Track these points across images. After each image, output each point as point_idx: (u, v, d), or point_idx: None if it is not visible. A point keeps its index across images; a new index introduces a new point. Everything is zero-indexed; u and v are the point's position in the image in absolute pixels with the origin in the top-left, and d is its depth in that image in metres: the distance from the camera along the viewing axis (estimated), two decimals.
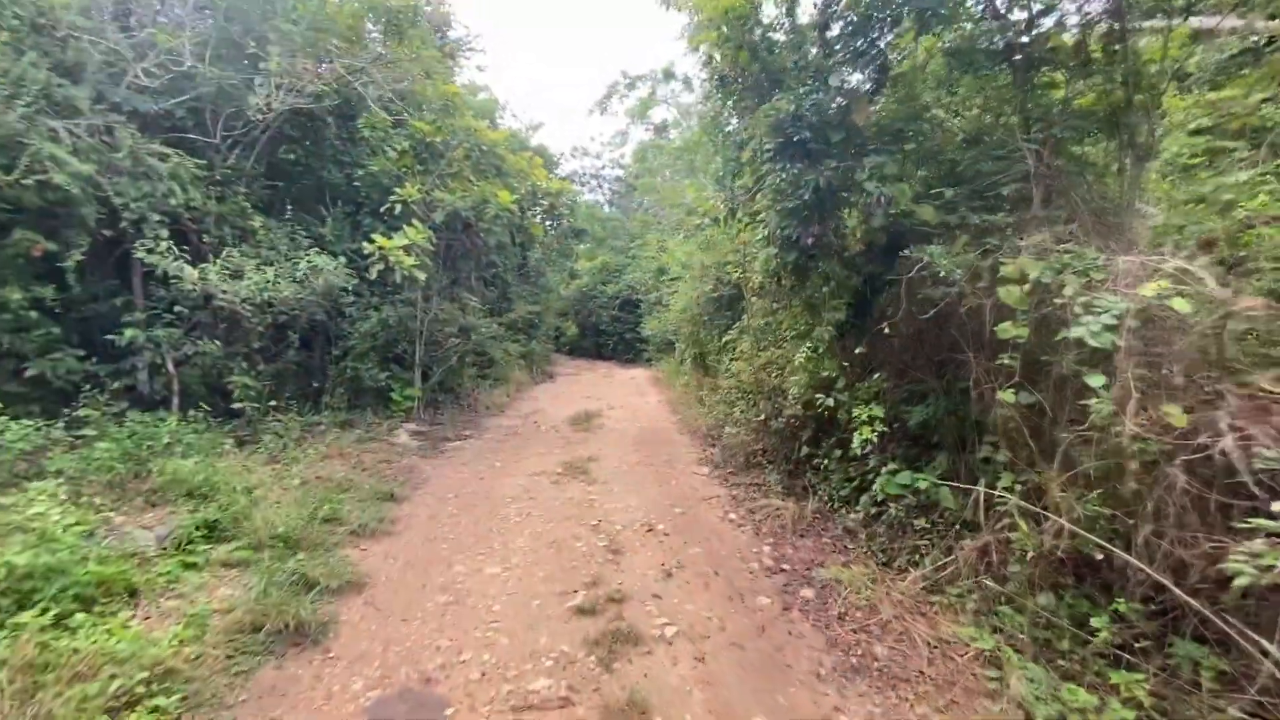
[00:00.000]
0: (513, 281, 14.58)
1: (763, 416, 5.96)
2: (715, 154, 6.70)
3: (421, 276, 7.14)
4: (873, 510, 4.58)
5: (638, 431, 8.79)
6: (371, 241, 6.80)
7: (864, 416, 3.81)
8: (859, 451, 3.75)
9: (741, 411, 6.38)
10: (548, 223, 10.84)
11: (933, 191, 4.00)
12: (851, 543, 4.65)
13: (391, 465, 6.70)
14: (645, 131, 28.21)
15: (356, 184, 9.13)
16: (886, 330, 3.75)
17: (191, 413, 6.59)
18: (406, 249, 7.14)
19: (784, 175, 4.55)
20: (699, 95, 23.56)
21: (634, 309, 23.38)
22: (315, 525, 4.69)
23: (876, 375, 3.99)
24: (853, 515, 4.73)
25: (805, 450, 5.91)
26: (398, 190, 7.68)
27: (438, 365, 9.65)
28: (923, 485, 3.70)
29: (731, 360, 7.05)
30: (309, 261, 7.11)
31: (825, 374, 4.43)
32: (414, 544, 4.80)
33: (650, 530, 5.13)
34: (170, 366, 6.85)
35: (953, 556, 3.94)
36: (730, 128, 5.80)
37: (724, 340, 7.69)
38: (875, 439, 3.91)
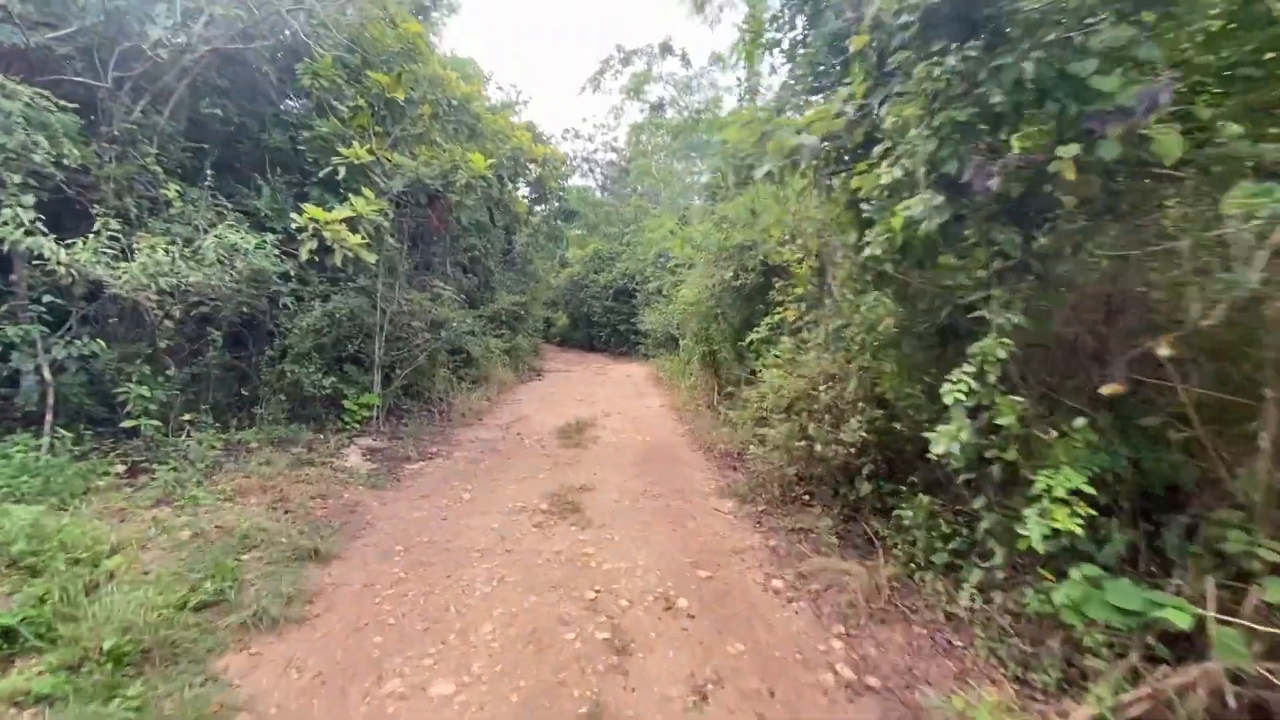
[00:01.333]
0: (495, 269, 13.05)
1: (814, 442, 4.54)
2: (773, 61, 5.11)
3: (370, 258, 5.64)
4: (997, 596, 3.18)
5: (640, 447, 7.36)
6: (302, 213, 5.29)
7: (1056, 488, 2.32)
8: (1041, 548, 2.30)
9: (778, 432, 4.96)
10: (537, 206, 9.31)
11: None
12: (960, 638, 3.26)
13: (328, 502, 5.22)
14: (640, 112, 26.58)
15: (302, 148, 7.56)
16: (1162, 351, 2.15)
17: (70, 432, 5.10)
18: (351, 224, 5.63)
19: (949, 65, 2.75)
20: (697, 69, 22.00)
21: (628, 299, 21.94)
22: (185, 617, 3.22)
23: (1081, 422, 2.51)
24: (963, 598, 3.33)
25: (866, 487, 4.52)
26: (342, 150, 6.15)
27: (403, 366, 8.15)
28: (1161, 614, 2.27)
29: (761, 364, 5.63)
30: (218, 239, 5.56)
31: (990, 408, 2.76)
32: (334, 638, 3.34)
33: (669, 607, 3.71)
34: (46, 373, 5.32)
35: (1146, 690, 2.56)
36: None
37: (749, 340, 6.26)
38: (1080, 529, 2.35)
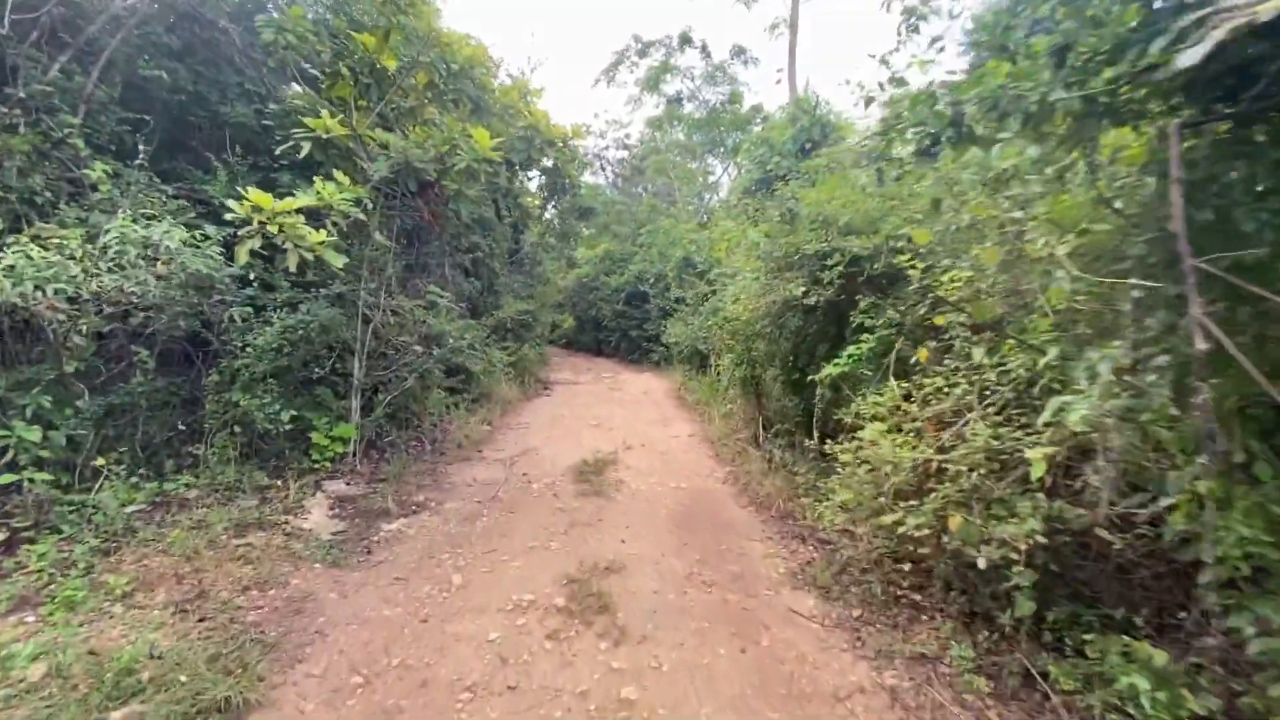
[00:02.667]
0: (501, 271, 11.68)
1: (949, 536, 3.16)
2: None
3: (337, 261, 4.28)
4: None
5: (676, 499, 5.97)
6: (244, 200, 3.92)
7: None
8: None
9: (895, 520, 3.57)
10: (548, 196, 7.87)
11: None
12: None
13: (268, 593, 3.85)
14: (656, 107, 25.22)
15: (269, 123, 6.21)
16: None
17: None
18: (315, 216, 4.28)
19: None
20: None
21: (641, 303, 20.59)
22: None
23: None
24: None
25: (1028, 606, 3.12)
26: (307, 122, 4.80)
27: (387, 389, 6.79)
28: None
29: (855, 411, 4.22)
30: (123, 233, 4.21)
31: None
32: None
33: None
34: None
35: None
36: None
37: (824, 375, 4.86)
38: None
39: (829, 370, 4.82)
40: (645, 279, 20.36)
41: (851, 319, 4.90)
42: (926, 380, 3.78)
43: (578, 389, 13.04)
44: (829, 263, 4.86)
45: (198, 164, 6.36)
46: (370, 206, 5.37)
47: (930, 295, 3.92)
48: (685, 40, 23.83)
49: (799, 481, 5.71)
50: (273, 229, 3.90)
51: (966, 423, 3.32)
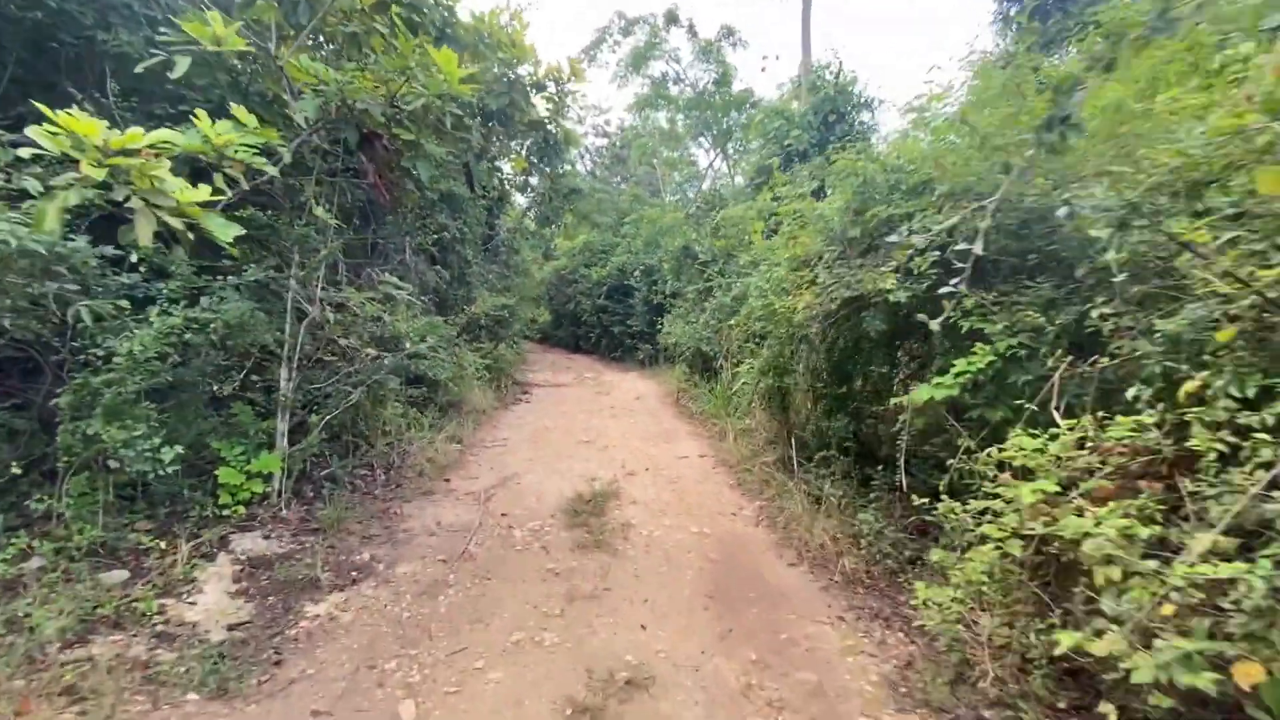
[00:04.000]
0: (474, 259, 10.16)
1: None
2: None
3: (225, 234, 2.81)
4: None
5: (701, 549, 4.64)
6: (57, 130, 2.44)
7: None
8: None
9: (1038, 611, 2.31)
10: (533, 163, 6.32)
11: None
12: None
13: None
14: (641, 88, 23.72)
15: (156, 50, 4.65)
16: None
17: None
18: (199, 169, 2.82)
19: None
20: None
21: (624, 298, 19.27)
22: None
23: None
24: None
25: None
26: (185, 27, 3.31)
27: (328, 405, 5.30)
28: None
29: (991, 461, 2.93)
30: None
31: None
32: None
33: None
34: None
35: None
36: None
37: (920, 396, 3.55)
38: None
39: (927, 392, 3.52)
40: (629, 272, 19.02)
41: (943, 324, 3.61)
42: (1122, 420, 2.51)
43: (561, 394, 11.60)
44: (935, 240, 3.55)
45: (62, 103, 4.76)
46: (287, 159, 3.88)
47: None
48: (671, 19, 22.43)
49: (862, 530, 4.43)
50: (109, 176, 2.43)
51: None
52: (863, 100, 8.46)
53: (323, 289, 5.41)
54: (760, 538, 4.88)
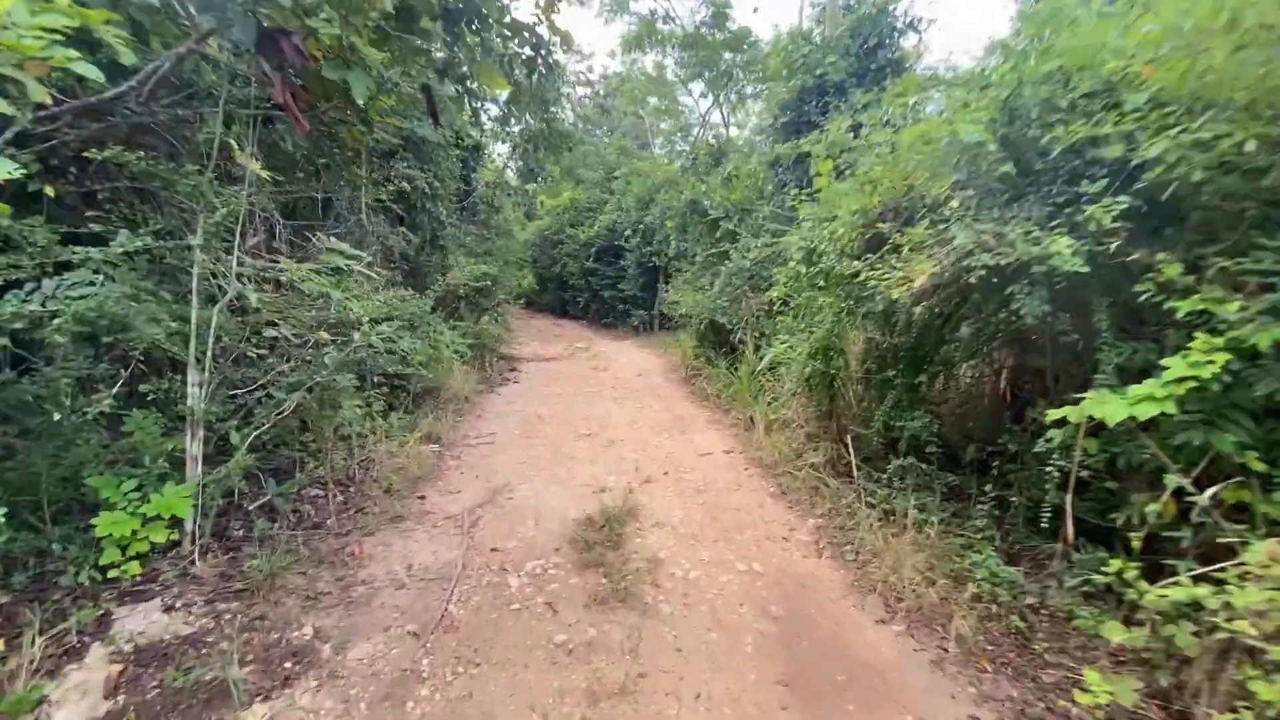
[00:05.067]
0: (448, 219, 8.75)
1: None
2: None
3: None
4: None
5: (758, 601, 3.54)
6: None
7: None
8: None
9: None
10: (515, 94, 4.90)
11: None
12: None
13: None
14: (629, 28, 21.70)
15: None
16: None
17: None
18: None
19: None
20: None
21: (614, 260, 17.97)
22: None
23: None
24: None
25: None
26: None
27: (257, 416, 4.03)
28: None
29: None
30: None
31: None
32: None
33: None
34: None
35: None
36: None
37: (1112, 410, 2.42)
38: None
39: (1120, 408, 2.37)
40: (620, 231, 17.60)
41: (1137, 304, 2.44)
42: None
43: (552, 370, 10.38)
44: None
45: None
46: (129, 59, 2.54)
47: None
48: None
49: (970, 571, 3.36)
50: None
51: None
52: (908, 21, 7.08)
53: (243, 260, 4.09)
54: (828, 577, 3.79)
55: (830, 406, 5.19)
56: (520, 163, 11.05)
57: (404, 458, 5.34)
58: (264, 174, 4.53)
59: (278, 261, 4.70)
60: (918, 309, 2.99)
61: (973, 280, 2.57)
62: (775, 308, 7.02)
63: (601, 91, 26.65)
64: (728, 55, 16.81)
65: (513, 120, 6.72)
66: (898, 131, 3.73)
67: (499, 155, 11.28)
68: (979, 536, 3.61)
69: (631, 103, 21.14)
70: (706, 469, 5.51)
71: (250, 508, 3.99)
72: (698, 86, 20.90)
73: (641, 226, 14.64)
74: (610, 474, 5.36)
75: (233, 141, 4.17)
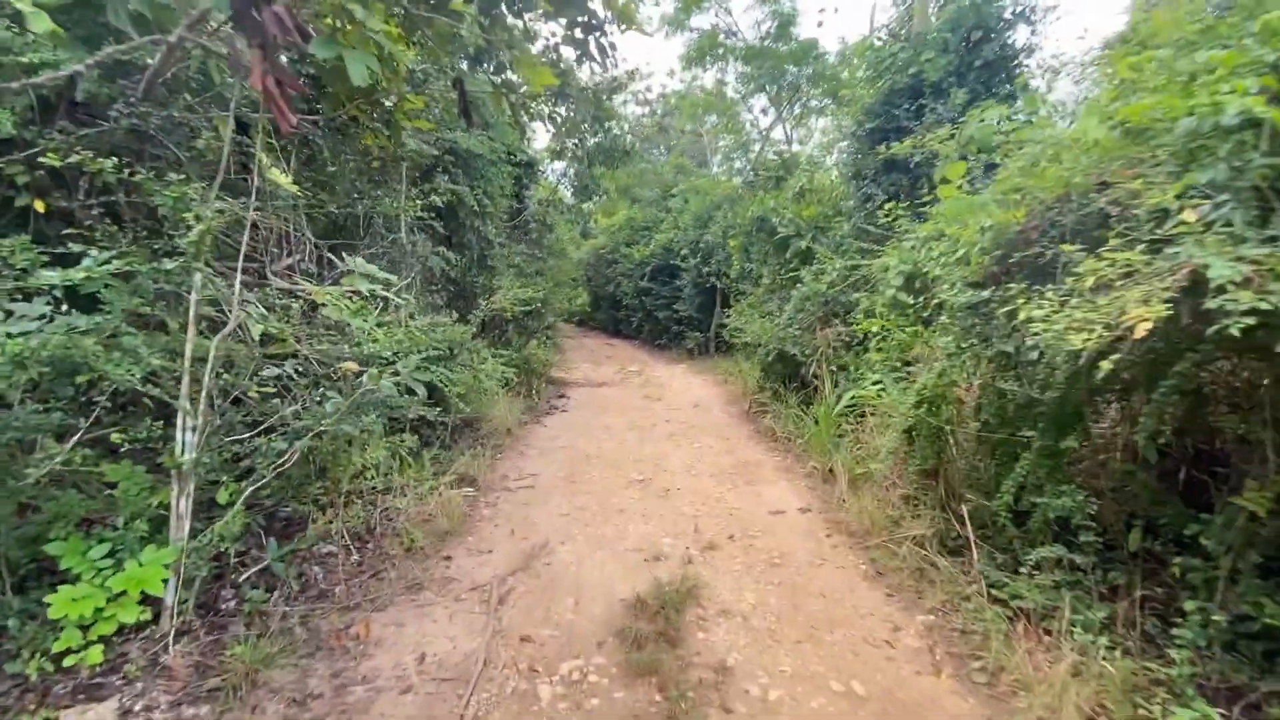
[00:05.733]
0: (497, 237, 8.27)
1: None
2: None
3: None
4: None
5: None
6: None
7: None
8: None
9: None
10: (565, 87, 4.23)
11: None
12: None
13: None
14: (688, 43, 21.22)
15: None
16: None
17: None
18: None
19: None
20: None
21: (670, 279, 17.29)
22: None
23: None
24: None
25: None
26: None
27: (258, 466, 3.47)
28: None
29: None
30: None
31: None
32: None
33: None
34: None
35: None
36: None
37: None
38: None
39: None
40: (676, 250, 16.94)
41: None
42: None
43: (602, 397, 9.70)
44: None
45: None
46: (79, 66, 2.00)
47: None
48: None
49: None
50: None
51: None
52: (1018, 11, 6.10)
53: (266, 283, 3.58)
54: (956, 710, 2.85)
55: (936, 464, 4.24)
56: (575, 180, 10.52)
57: (433, 504, 4.71)
58: (292, 187, 4.06)
59: (297, 285, 4.21)
60: (1111, 363, 2.09)
61: (1234, 331, 1.68)
62: (857, 340, 6.11)
63: (659, 110, 26.26)
64: (792, 69, 16.01)
65: (562, 124, 6.13)
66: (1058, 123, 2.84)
67: (553, 171, 10.83)
68: (1174, 671, 2.62)
69: (690, 120, 20.57)
70: (780, 533, 4.63)
71: (244, 576, 3.40)
72: (759, 102, 20.17)
73: (701, 246, 13.91)
74: (665, 535, 4.56)
75: (259, 152, 3.71)
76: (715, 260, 14.02)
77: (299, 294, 4.25)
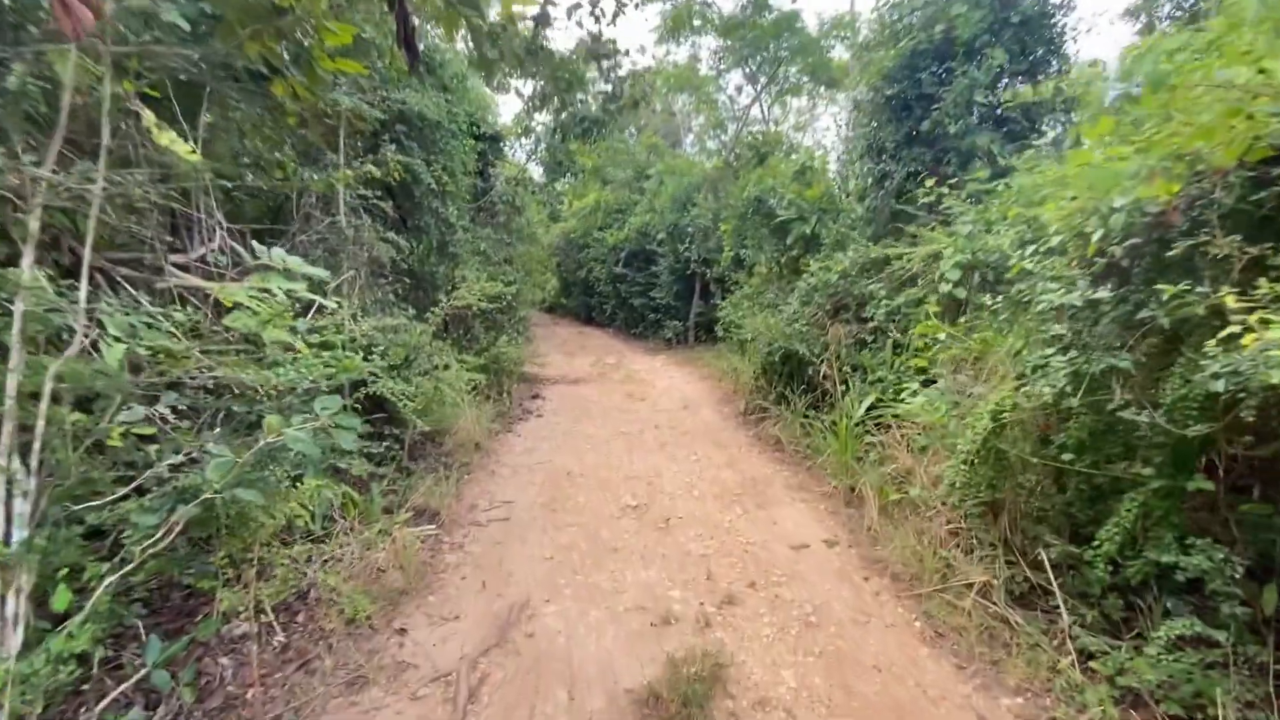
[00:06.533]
0: (459, 220, 7.25)
1: None
2: None
3: None
4: None
5: None
6: None
7: None
8: None
9: None
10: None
11: None
12: None
13: None
14: (663, 15, 20.13)
15: None
16: None
17: None
18: None
19: None
20: None
21: (646, 265, 16.47)
22: None
23: None
24: None
25: None
26: None
27: (133, 537, 2.52)
28: None
29: None
30: None
31: None
32: None
33: None
34: None
35: None
36: None
37: None
38: None
39: None
40: (652, 235, 16.07)
41: None
42: None
43: (581, 397, 8.82)
44: None
45: None
46: None
47: None
48: None
49: None
50: None
51: None
52: None
53: (141, 282, 2.60)
54: None
55: (1000, 498, 3.52)
56: (547, 155, 9.48)
57: (385, 551, 3.81)
58: (193, 156, 3.06)
59: (201, 285, 3.25)
60: None
61: None
62: (873, 338, 5.38)
63: (629, 88, 25.07)
64: (774, 42, 15.10)
65: (533, 96, 5.21)
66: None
67: (521, 147, 9.78)
68: None
69: (659, 99, 19.51)
70: (809, 576, 3.87)
71: (117, 690, 2.46)
72: (734, 79, 19.21)
73: (679, 230, 13.06)
74: (673, 585, 3.76)
75: (142, 110, 2.72)
76: (694, 245, 13.21)
77: (196, 297, 3.28)
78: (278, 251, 3.01)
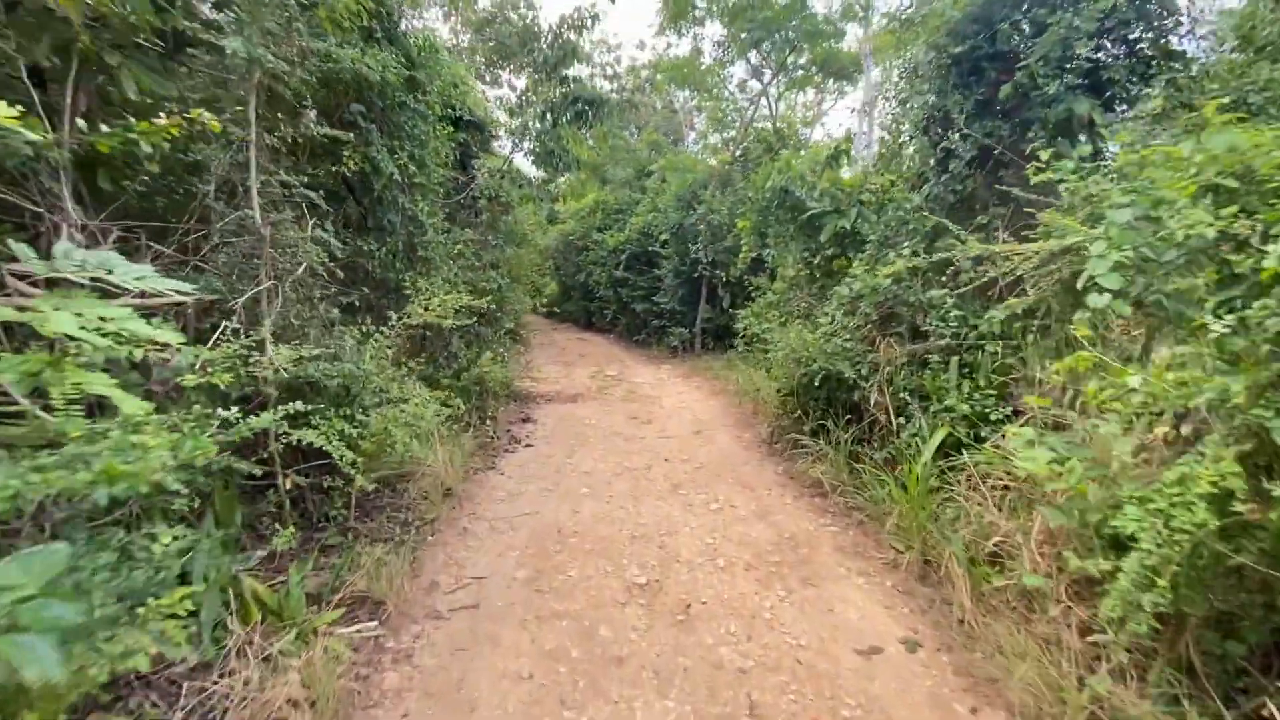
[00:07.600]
0: (432, 219, 6.15)
1: None
2: None
3: None
4: None
5: None
6: None
7: None
8: None
9: None
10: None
11: None
12: None
13: None
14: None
15: None
16: None
17: None
18: None
19: None
20: None
21: (649, 268, 15.43)
22: None
23: None
24: None
25: None
26: None
27: None
28: None
29: None
30: None
31: None
32: None
33: None
34: None
35: None
36: None
37: None
38: None
39: None
40: (655, 235, 15.00)
41: None
42: None
43: (579, 420, 7.70)
44: None
45: None
46: None
47: None
48: None
49: None
50: None
51: None
52: None
53: None
54: None
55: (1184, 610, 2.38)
56: (540, 146, 8.38)
57: (296, 675, 2.69)
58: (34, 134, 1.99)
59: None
60: None
61: None
62: (937, 359, 4.27)
63: (629, 86, 24.03)
64: (777, 36, 14.07)
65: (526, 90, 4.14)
66: None
67: (509, 136, 8.70)
68: None
69: (660, 93, 18.52)
70: (891, 705, 2.73)
71: None
72: (738, 71, 18.13)
73: (699, 229, 11.97)
74: None
75: None
76: (704, 246, 12.13)
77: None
78: (81, 253, 1.90)
